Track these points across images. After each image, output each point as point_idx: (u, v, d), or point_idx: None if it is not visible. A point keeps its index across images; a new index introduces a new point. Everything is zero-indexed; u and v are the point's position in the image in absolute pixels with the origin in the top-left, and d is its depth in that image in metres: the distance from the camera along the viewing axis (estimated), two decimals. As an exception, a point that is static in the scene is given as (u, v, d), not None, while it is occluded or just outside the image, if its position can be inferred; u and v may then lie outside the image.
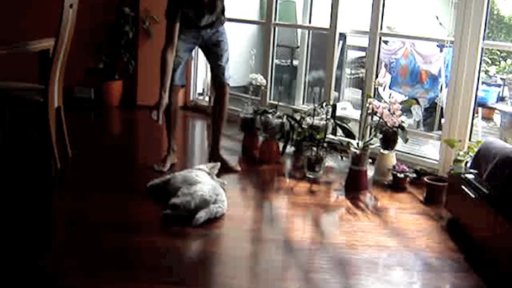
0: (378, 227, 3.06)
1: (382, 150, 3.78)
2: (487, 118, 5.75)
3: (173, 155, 3.86)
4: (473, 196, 2.80)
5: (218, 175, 3.46)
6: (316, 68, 5.52)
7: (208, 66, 4.20)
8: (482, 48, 3.62)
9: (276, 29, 5.04)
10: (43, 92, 3.52)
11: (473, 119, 3.78)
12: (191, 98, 5.72)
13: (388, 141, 3.74)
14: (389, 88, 5.33)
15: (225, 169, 3.71)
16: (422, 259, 2.70)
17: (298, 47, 5.84)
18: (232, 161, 3.94)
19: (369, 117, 3.80)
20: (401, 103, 3.87)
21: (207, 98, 5.68)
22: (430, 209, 3.33)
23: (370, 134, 3.85)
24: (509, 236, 2.48)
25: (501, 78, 6.09)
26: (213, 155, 3.90)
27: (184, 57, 3.75)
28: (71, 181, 3.58)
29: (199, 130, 5.41)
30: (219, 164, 3.52)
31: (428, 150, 4.31)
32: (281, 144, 4.13)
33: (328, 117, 3.91)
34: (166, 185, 3.25)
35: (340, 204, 3.44)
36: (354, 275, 2.51)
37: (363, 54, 5.47)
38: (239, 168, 3.86)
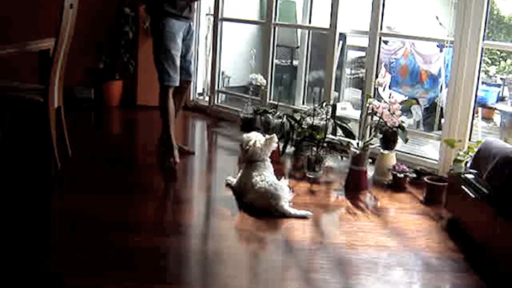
0: (378, 227, 3.06)
1: (382, 150, 3.78)
2: (487, 118, 5.76)
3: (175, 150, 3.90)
4: (473, 196, 2.80)
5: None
6: (316, 68, 5.52)
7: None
8: (482, 48, 3.62)
9: (276, 29, 5.04)
10: (43, 92, 3.52)
11: (473, 119, 3.78)
12: (191, 98, 5.71)
13: (388, 141, 3.74)
14: (389, 88, 5.33)
15: (182, 154, 3.97)
16: (422, 259, 2.70)
17: (298, 47, 5.83)
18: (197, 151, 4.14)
19: (369, 117, 3.80)
20: (401, 103, 3.88)
21: (207, 98, 5.68)
22: (430, 209, 3.33)
23: (370, 134, 3.85)
24: (509, 236, 2.48)
25: (501, 78, 6.10)
26: (164, 143, 3.95)
27: (180, 53, 3.79)
28: (71, 181, 3.58)
29: (199, 130, 5.41)
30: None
31: (428, 150, 4.31)
32: (281, 144, 4.13)
33: (328, 117, 3.91)
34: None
35: (340, 204, 3.44)
36: (354, 275, 2.51)
37: (363, 54, 5.47)
38: (194, 150, 4.13)
